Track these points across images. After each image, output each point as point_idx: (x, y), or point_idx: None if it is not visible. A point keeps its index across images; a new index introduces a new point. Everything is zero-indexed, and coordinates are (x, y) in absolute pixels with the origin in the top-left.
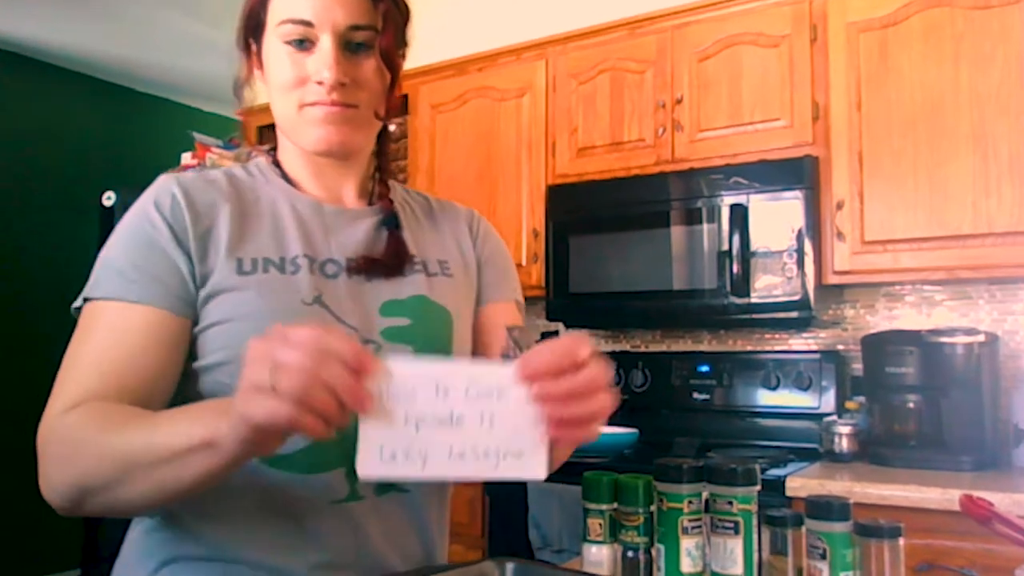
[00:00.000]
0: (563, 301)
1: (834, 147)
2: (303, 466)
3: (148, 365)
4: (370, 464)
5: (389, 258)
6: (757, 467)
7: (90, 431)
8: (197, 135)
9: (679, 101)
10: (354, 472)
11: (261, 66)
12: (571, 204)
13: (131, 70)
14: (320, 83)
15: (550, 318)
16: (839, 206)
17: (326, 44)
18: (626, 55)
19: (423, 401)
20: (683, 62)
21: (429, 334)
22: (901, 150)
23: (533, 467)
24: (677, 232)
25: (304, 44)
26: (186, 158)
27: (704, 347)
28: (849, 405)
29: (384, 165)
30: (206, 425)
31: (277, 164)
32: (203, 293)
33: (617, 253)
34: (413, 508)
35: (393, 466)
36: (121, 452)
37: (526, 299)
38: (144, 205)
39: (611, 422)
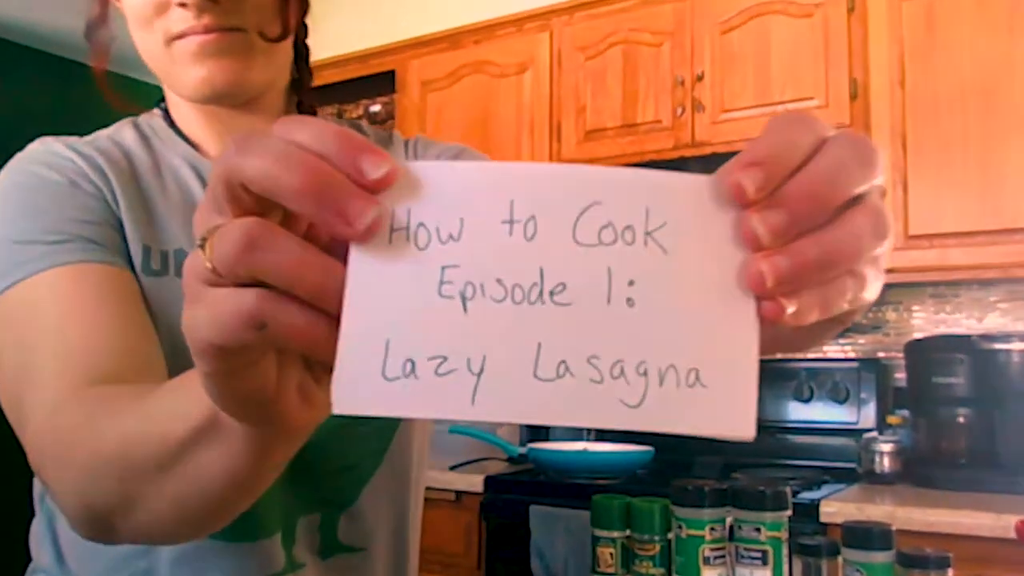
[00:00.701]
0: None
1: (874, 129)
2: (227, 532)
3: (126, 325)
4: (359, 383)
5: None
6: (788, 490)
7: (82, 432)
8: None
9: (700, 78)
10: (292, 537)
11: None
12: None
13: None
14: (183, 4)
15: None
16: None
17: None
18: (640, 26)
19: (486, 248)
20: (704, 34)
21: None
22: (950, 132)
23: (735, 406)
24: None
25: None
26: None
27: None
28: (891, 420)
29: (307, 102)
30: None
31: (171, 123)
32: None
33: None
34: (366, 574)
35: (407, 388)
36: (119, 459)
37: None
38: (32, 171)
39: (622, 438)
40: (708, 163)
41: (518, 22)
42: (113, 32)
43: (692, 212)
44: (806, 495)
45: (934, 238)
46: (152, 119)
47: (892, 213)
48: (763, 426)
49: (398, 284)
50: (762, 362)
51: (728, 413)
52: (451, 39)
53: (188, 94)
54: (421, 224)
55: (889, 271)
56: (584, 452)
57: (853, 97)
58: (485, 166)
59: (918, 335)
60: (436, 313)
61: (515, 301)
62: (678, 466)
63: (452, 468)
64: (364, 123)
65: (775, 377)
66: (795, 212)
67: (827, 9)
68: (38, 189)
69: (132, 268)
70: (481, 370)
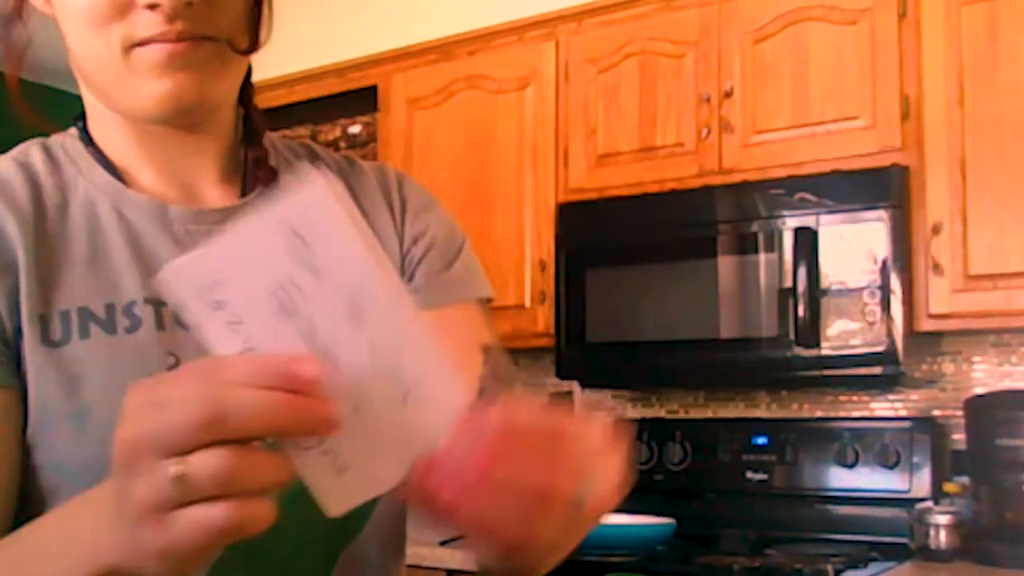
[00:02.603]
0: (578, 353)
1: (929, 153)
2: None
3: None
4: (338, 497)
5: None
6: (830, 567)
7: None
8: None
9: (728, 94)
10: None
11: None
12: (588, 228)
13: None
14: (154, 6)
15: (561, 375)
16: (935, 230)
17: None
18: (660, 34)
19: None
20: (733, 43)
21: None
22: (1015, 157)
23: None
24: (726, 264)
25: None
26: None
27: (761, 413)
28: (948, 488)
29: (254, 125)
30: (104, 540)
31: (91, 144)
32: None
33: (648, 291)
34: None
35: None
36: None
37: (530, 349)
38: None
39: (642, 510)
40: (737, 192)
41: (519, 30)
42: (30, 32)
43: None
44: (850, 574)
45: (998, 279)
46: (66, 140)
47: (951, 250)
48: (801, 495)
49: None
50: (800, 421)
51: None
52: (441, 50)
53: (144, 110)
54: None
55: (946, 316)
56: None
57: (904, 116)
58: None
59: (979, 390)
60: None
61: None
62: (703, 540)
63: (443, 543)
64: (317, 147)
65: (815, 438)
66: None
67: (875, 15)
68: None
69: (17, 348)
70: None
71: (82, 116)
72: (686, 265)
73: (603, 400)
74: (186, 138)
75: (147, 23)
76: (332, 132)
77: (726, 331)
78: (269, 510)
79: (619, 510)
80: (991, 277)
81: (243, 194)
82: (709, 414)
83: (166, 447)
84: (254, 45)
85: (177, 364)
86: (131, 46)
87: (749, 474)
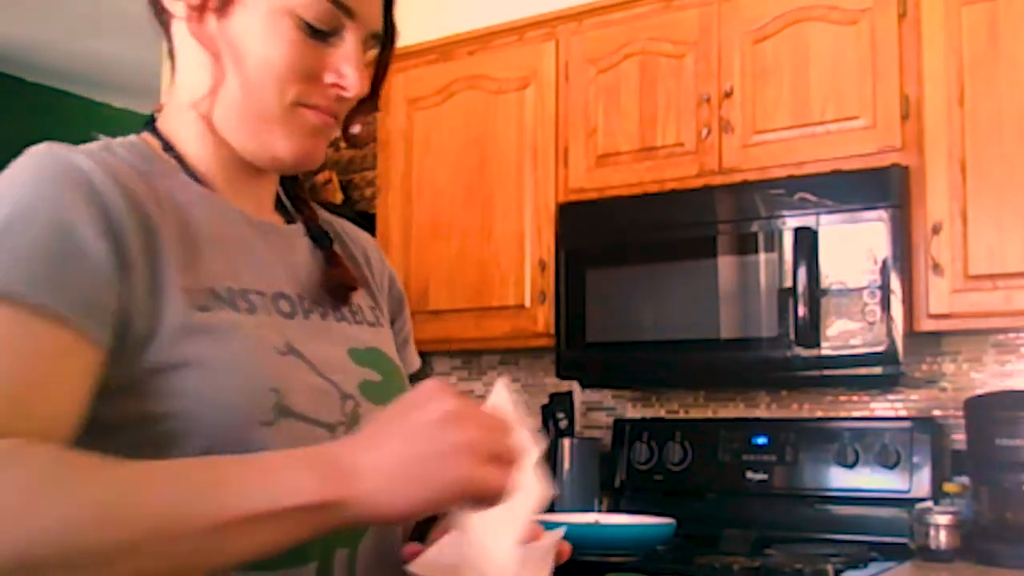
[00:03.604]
0: (578, 354)
1: (929, 153)
2: (270, 560)
3: (63, 405)
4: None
5: (344, 280)
6: (830, 567)
7: (52, 480)
8: (105, 138)
9: (728, 94)
10: (329, 566)
11: (216, 20)
12: (589, 228)
13: (20, 54)
14: (339, 88)
15: (561, 375)
16: (936, 230)
17: (352, 44)
18: (660, 34)
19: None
20: (733, 43)
21: (388, 392)
22: (1016, 157)
23: None
24: (726, 264)
25: (325, 35)
26: None
27: (761, 413)
28: (948, 488)
29: (295, 175)
30: (323, 481)
31: (176, 156)
32: (150, 327)
33: (648, 291)
34: None
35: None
36: (157, 512)
37: (530, 349)
38: (51, 182)
39: (642, 510)
40: (737, 192)
41: (519, 30)
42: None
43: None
44: (850, 574)
45: (998, 278)
46: (137, 145)
47: (951, 249)
48: (801, 495)
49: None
50: (800, 421)
51: None
52: (441, 50)
53: (278, 153)
54: None
55: (946, 316)
56: (596, 525)
57: (905, 116)
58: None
59: (979, 390)
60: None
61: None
62: (703, 541)
63: None
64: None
65: (814, 439)
66: None
67: (875, 15)
68: (49, 214)
69: (127, 323)
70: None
71: (150, 126)
72: (686, 265)
73: (603, 400)
74: (262, 177)
75: (323, 94)
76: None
77: (726, 331)
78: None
79: (619, 510)
80: (991, 277)
81: (287, 220)
82: (709, 414)
83: (479, 452)
84: (344, 132)
85: (289, 341)
86: (299, 105)
87: (749, 474)
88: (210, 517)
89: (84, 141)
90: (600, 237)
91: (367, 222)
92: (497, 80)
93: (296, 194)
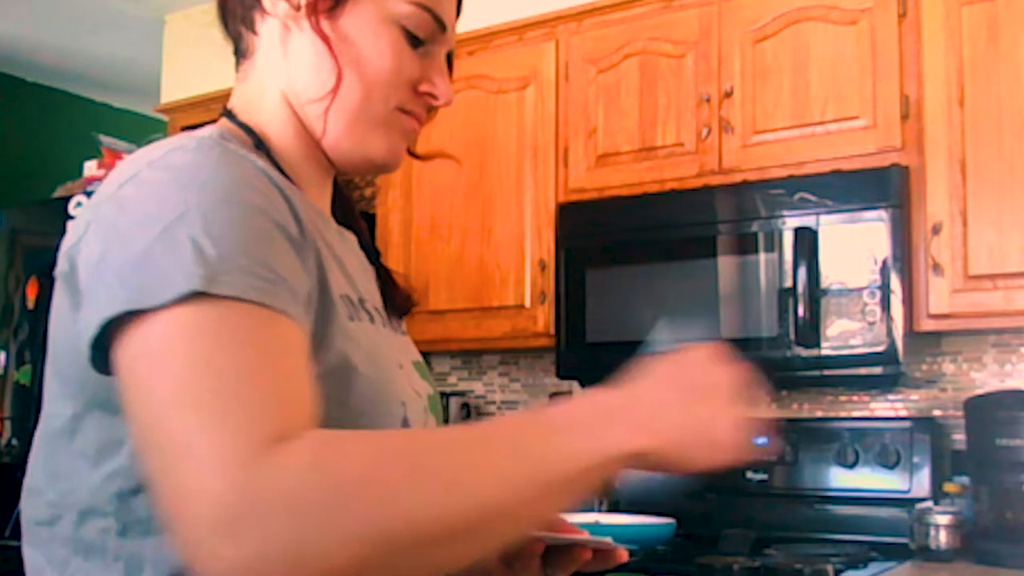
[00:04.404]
0: (578, 353)
1: (929, 153)
2: None
3: (313, 396)
4: None
5: (406, 299)
6: (830, 568)
7: (393, 461)
8: (104, 138)
9: (728, 94)
10: None
11: (326, 19)
12: (589, 227)
13: (20, 54)
14: (431, 96)
15: (561, 375)
16: (936, 230)
17: (442, 56)
18: (660, 34)
19: None
20: (734, 43)
21: (439, 411)
22: (1016, 156)
23: None
24: (726, 264)
25: (419, 44)
26: (90, 168)
27: (761, 413)
28: (948, 488)
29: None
30: (635, 431)
31: (267, 152)
32: (315, 328)
33: (648, 291)
34: None
35: None
36: (502, 477)
37: (530, 349)
38: (243, 179)
39: (642, 510)
40: (737, 192)
41: (519, 30)
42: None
43: None
44: (850, 574)
45: (998, 278)
46: (228, 137)
47: (951, 249)
48: (801, 495)
49: None
50: (801, 421)
51: None
52: None
53: (369, 154)
54: None
55: (946, 316)
56: (596, 525)
57: (904, 116)
58: None
59: (979, 390)
60: None
61: None
62: (703, 540)
63: None
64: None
65: (815, 439)
66: None
67: (875, 15)
68: (250, 208)
69: (324, 319)
70: None
71: (231, 118)
72: (686, 265)
73: None
74: (330, 179)
75: (418, 102)
76: None
77: (726, 331)
78: None
79: (619, 510)
80: (991, 277)
81: (338, 223)
82: None
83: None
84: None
85: (397, 359)
86: (399, 110)
87: (749, 474)
88: (555, 473)
89: (84, 141)
90: (600, 237)
91: (367, 222)
92: (497, 80)
93: (345, 205)
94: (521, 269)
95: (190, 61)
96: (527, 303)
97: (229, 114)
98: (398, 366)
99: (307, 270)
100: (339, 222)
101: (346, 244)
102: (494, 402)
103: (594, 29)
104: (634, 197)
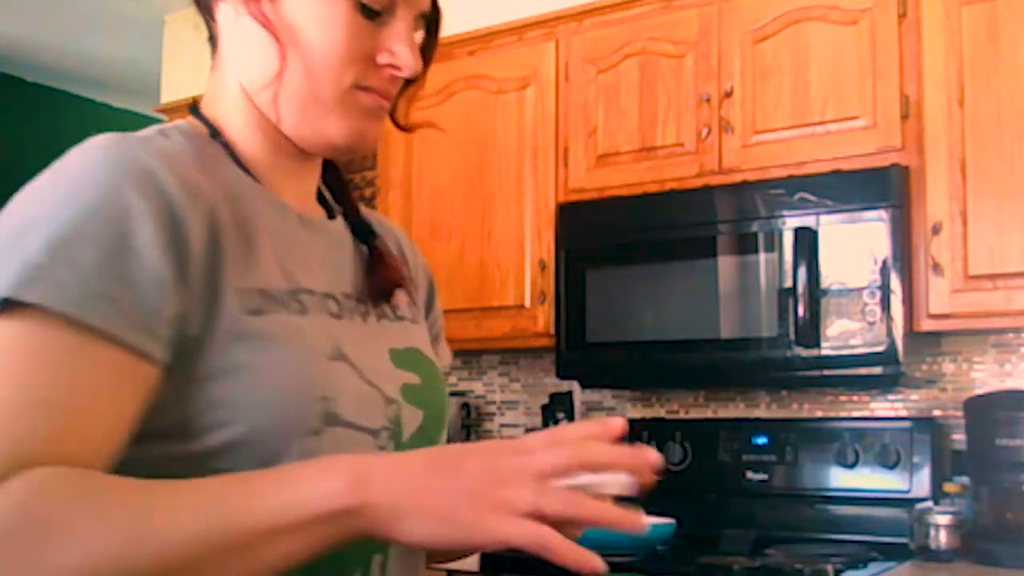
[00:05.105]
0: (578, 354)
1: (929, 153)
2: (310, 569)
3: (110, 432)
4: None
5: (391, 279)
6: (829, 568)
7: (91, 509)
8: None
9: (728, 94)
10: (368, 573)
11: (265, 15)
12: (589, 228)
13: (20, 54)
14: (393, 68)
15: (561, 375)
16: (936, 230)
17: (403, 23)
18: (660, 34)
19: None
20: (734, 43)
21: (436, 399)
22: (1016, 156)
23: None
24: (726, 264)
25: (377, 15)
26: None
27: (761, 413)
28: (948, 488)
29: (336, 166)
30: (349, 483)
31: (224, 143)
32: (201, 333)
33: (648, 291)
34: None
35: None
36: (186, 534)
37: (530, 349)
38: (113, 182)
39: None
40: (737, 192)
41: (519, 30)
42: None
43: None
44: (850, 575)
45: (998, 278)
46: (189, 133)
47: (951, 249)
48: (801, 495)
49: None
50: (800, 421)
51: None
52: (441, 50)
53: (334, 139)
54: None
55: (946, 316)
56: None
57: (904, 116)
58: None
59: (979, 390)
60: None
61: None
62: (704, 541)
63: None
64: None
65: (814, 439)
66: None
67: (875, 15)
68: (108, 216)
69: (201, 326)
70: None
71: (195, 113)
72: (686, 265)
73: (603, 400)
74: (308, 163)
75: (379, 77)
76: None
77: (726, 331)
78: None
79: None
80: (991, 277)
81: (330, 216)
82: (709, 414)
83: (543, 474)
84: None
85: (339, 346)
86: (355, 87)
87: (749, 474)
88: (239, 531)
89: (79, 140)
90: (600, 237)
91: None
92: (497, 80)
93: (339, 187)
94: (521, 269)
95: (190, 61)
96: (527, 303)
97: (194, 107)
98: (331, 358)
99: (181, 276)
100: (336, 204)
101: (313, 232)
102: (494, 402)
103: (594, 29)
104: (634, 197)
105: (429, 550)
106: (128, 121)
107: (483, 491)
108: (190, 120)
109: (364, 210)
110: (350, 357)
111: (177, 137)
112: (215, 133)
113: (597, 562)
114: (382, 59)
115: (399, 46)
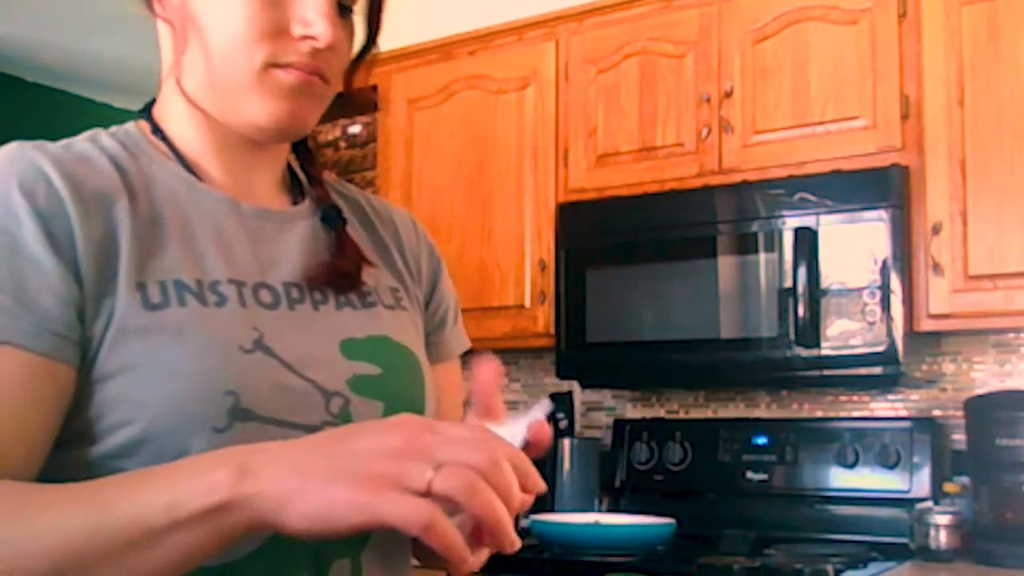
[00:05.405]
0: (578, 353)
1: (929, 153)
2: (260, 572)
3: (19, 436)
4: None
5: (342, 270)
6: (829, 568)
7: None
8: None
9: (728, 94)
10: None
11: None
12: (589, 227)
13: (20, 54)
14: (309, 39)
15: (561, 375)
16: (936, 230)
17: None
18: (660, 34)
19: None
20: (734, 43)
21: (402, 389)
22: (1016, 157)
23: None
24: (726, 264)
25: None
26: None
27: (761, 413)
28: (948, 488)
29: (309, 149)
30: (232, 474)
31: (164, 138)
32: (98, 332)
33: (648, 291)
34: None
35: None
36: (70, 537)
37: (530, 349)
38: (4, 190)
39: (642, 510)
40: (737, 192)
41: (519, 30)
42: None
43: None
44: (850, 575)
45: (998, 278)
46: (134, 132)
47: (951, 249)
48: (801, 495)
49: None
50: (800, 421)
51: None
52: (442, 50)
53: (258, 124)
54: None
55: (946, 316)
56: (596, 525)
57: (904, 116)
58: None
59: (979, 390)
60: None
61: None
62: (703, 541)
63: None
64: (360, 192)
65: (814, 439)
66: None
67: (875, 15)
68: (13, 244)
69: (98, 320)
70: None
71: (145, 111)
72: (686, 265)
73: (603, 400)
74: (258, 150)
75: (295, 51)
76: (332, 132)
77: (726, 331)
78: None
79: (619, 510)
80: (991, 277)
81: (294, 203)
82: (709, 414)
83: (435, 458)
84: (348, 88)
85: (261, 336)
86: (271, 66)
87: (749, 474)
88: (123, 534)
89: None
90: (600, 237)
91: None
92: (497, 80)
93: (308, 171)
94: (521, 269)
95: None
96: (527, 303)
97: (146, 106)
98: (247, 350)
99: (74, 275)
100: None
101: (261, 221)
102: None
103: (594, 29)
104: (634, 197)
105: (323, 539)
106: (126, 120)
107: (369, 468)
108: (139, 121)
109: (357, 194)
110: (275, 349)
111: (106, 140)
112: (156, 130)
113: (469, 558)
114: (297, 31)
115: (311, 14)
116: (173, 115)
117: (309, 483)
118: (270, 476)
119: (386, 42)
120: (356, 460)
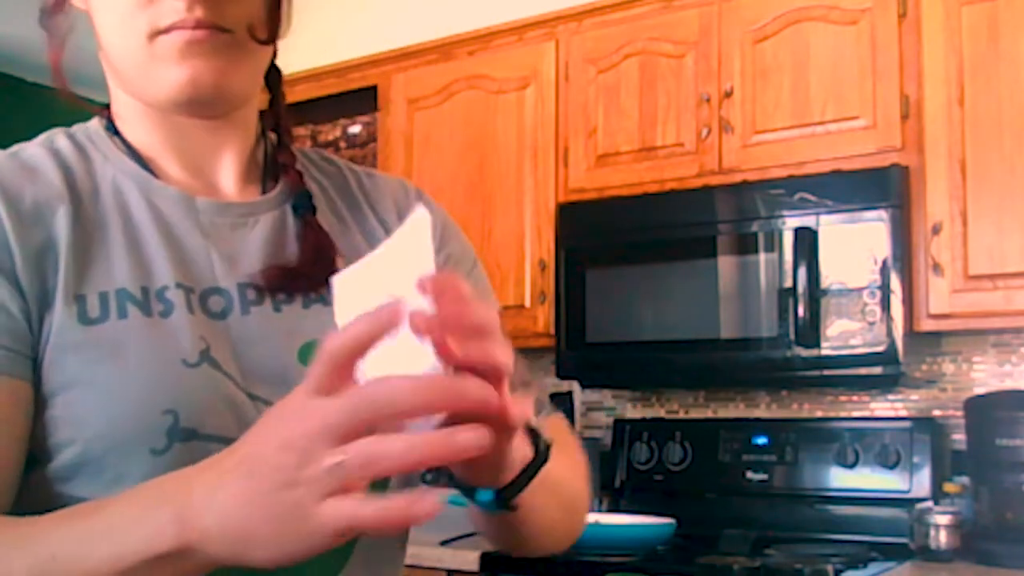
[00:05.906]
0: (578, 354)
1: (929, 153)
2: None
3: (9, 451)
4: None
5: (306, 265)
6: (829, 568)
7: None
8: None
9: (728, 94)
10: None
11: None
12: (588, 227)
13: (20, 54)
14: None
15: (561, 375)
16: (936, 230)
17: None
18: (660, 34)
19: None
20: (734, 43)
21: None
22: (1016, 157)
23: None
24: (726, 264)
25: None
26: None
27: (761, 413)
28: (948, 488)
29: (281, 124)
30: (172, 520)
31: (117, 134)
32: (41, 349)
33: (648, 291)
34: None
35: None
36: None
37: (530, 349)
38: None
39: (642, 510)
40: (737, 192)
41: (519, 30)
42: (71, 20)
43: None
44: (850, 575)
45: (998, 278)
46: (91, 129)
47: (951, 249)
48: (801, 495)
49: None
50: (800, 421)
51: None
52: (442, 50)
53: (166, 97)
54: None
55: (946, 316)
56: (596, 525)
57: (904, 116)
58: None
59: (979, 390)
60: None
61: None
62: (703, 541)
63: (443, 543)
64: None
65: (814, 439)
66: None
67: (875, 15)
68: None
69: (40, 337)
70: None
71: (106, 107)
72: (686, 265)
73: (603, 400)
74: (211, 132)
75: (169, 11)
76: (332, 132)
77: (726, 331)
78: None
79: (619, 510)
80: (991, 277)
81: (263, 191)
82: (709, 414)
83: (328, 437)
84: (271, 36)
85: (208, 348)
86: (155, 34)
87: (749, 474)
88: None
89: None
90: (600, 237)
91: None
92: (497, 80)
93: (276, 157)
94: (521, 269)
95: None
96: (527, 303)
97: (107, 104)
98: (192, 364)
99: (16, 290)
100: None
101: (222, 217)
102: None
103: (594, 29)
104: (634, 197)
105: (296, 563)
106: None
107: (284, 491)
108: (96, 118)
109: (346, 172)
110: (221, 362)
111: (61, 142)
112: (110, 125)
113: (425, 508)
114: None
115: None
116: (123, 110)
117: (245, 519)
118: (211, 514)
119: (386, 42)
120: (273, 477)
